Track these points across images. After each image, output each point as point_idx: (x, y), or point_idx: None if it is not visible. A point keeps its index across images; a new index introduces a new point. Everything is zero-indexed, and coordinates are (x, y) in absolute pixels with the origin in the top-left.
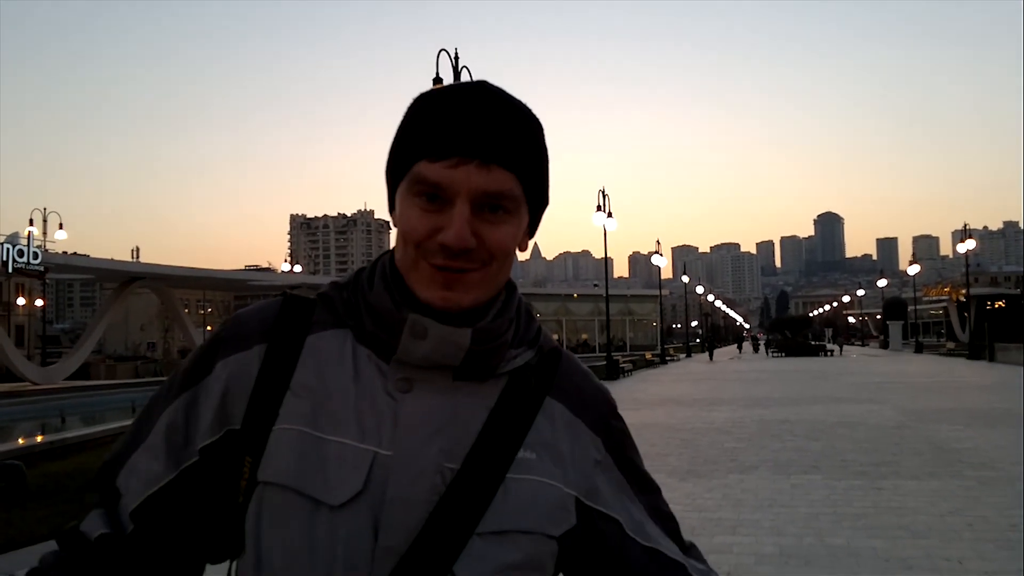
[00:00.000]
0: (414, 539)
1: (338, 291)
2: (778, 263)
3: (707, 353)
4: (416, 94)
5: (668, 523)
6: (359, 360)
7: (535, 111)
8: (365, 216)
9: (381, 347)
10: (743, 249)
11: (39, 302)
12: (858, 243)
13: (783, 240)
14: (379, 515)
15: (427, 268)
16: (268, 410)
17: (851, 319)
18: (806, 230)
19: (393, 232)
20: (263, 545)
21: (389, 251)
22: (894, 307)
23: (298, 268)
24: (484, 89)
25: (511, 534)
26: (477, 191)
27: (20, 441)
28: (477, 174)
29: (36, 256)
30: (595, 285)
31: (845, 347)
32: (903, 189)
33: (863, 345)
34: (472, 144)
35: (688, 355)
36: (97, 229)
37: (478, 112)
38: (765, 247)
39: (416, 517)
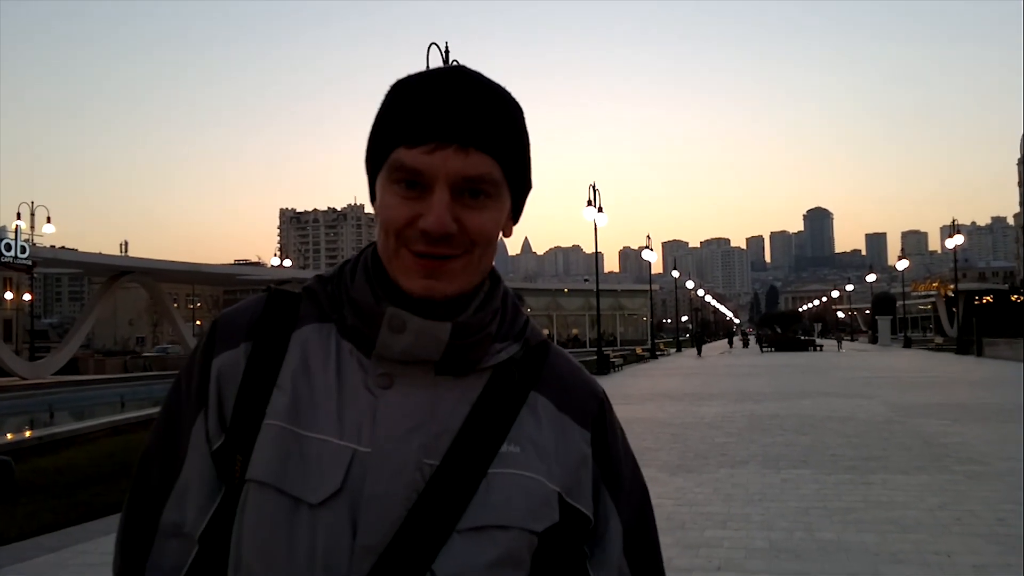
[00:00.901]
0: (392, 537)
1: (322, 285)
2: (768, 258)
3: (696, 348)
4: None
5: (641, 546)
6: (342, 355)
7: (523, 102)
8: (355, 210)
9: (362, 341)
10: (733, 244)
11: (27, 296)
12: (847, 238)
13: (773, 235)
14: (357, 513)
15: (409, 257)
16: (255, 408)
17: (840, 314)
18: (796, 225)
19: None
20: (243, 543)
21: (373, 243)
22: (883, 302)
23: (288, 263)
24: (461, 73)
25: (490, 530)
26: (456, 176)
27: (8, 436)
28: (455, 159)
29: (24, 250)
30: (585, 280)
31: (831, 341)
32: (892, 185)
33: (852, 340)
34: (449, 128)
35: (678, 350)
36: (85, 223)
37: (455, 96)
38: (755, 242)
39: (395, 515)
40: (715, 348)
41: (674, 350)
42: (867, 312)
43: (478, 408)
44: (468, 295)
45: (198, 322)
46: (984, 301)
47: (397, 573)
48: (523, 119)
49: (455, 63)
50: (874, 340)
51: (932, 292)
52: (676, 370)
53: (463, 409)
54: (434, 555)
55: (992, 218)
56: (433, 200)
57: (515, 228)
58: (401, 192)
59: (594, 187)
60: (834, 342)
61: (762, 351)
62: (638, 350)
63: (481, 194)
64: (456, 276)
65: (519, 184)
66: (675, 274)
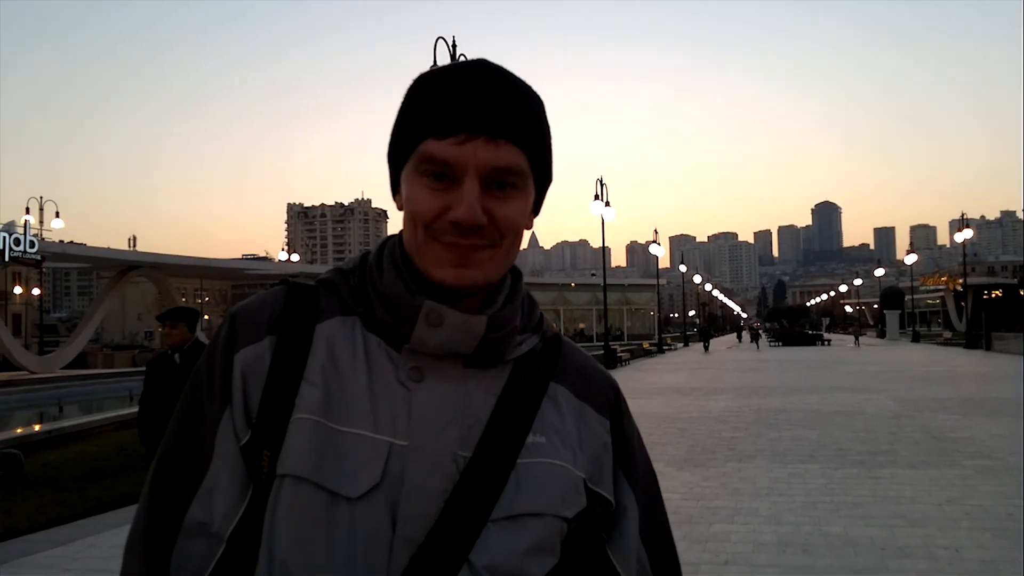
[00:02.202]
0: (430, 528)
1: (343, 277)
2: (776, 253)
3: (702, 344)
4: (416, 75)
5: (655, 530)
6: (369, 348)
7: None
8: (362, 205)
9: (392, 335)
10: (741, 239)
11: (36, 291)
12: (855, 232)
13: (781, 230)
14: (397, 506)
15: (438, 247)
16: (283, 402)
17: (848, 308)
18: (804, 219)
19: (390, 221)
20: (277, 539)
21: (394, 236)
22: (891, 296)
23: (295, 257)
24: (486, 66)
25: (524, 518)
26: (486, 167)
27: (18, 430)
28: (485, 149)
29: (33, 245)
30: (593, 274)
31: (841, 335)
32: (901, 179)
33: (861, 334)
34: (479, 119)
35: (686, 344)
36: (94, 218)
37: (483, 88)
38: (763, 236)
39: (433, 507)
40: (723, 343)
41: (681, 344)
42: (875, 306)
43: (503, 400)
44: (495, 288)
45: (206, 316)
46: (993, 295)
47: (436, 564)
48: (545, 112)
49: (463, 57)
50: (882, 334)
51: (941, 286)
52: (683, 364)
53: (490, 401)
54: (471, 545)
55: (1001, 212)
56: (463, 191)
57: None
58: (430, 184)
59: (601, 181)
60: (844, 337)
61: (758, 347)
62: (645, 344)
63: (508, 185)
64: (485, 265)
65: (543, 176)
66: (682, 268)
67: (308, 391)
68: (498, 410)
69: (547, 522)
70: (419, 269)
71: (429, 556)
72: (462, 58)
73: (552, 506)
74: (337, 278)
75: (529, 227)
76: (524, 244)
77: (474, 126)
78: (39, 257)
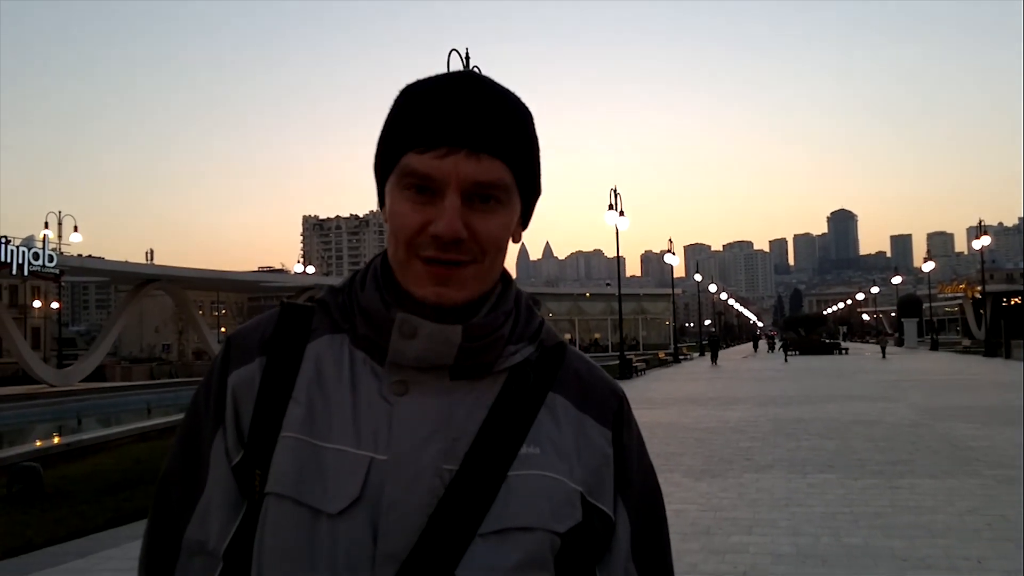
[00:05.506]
0: (414, 544)
1: (334, 296)
2: (791, 261)
3: (710, 356)
4: (403, 85)
5: (649, 550)
6: (355, 364)
7: (543, 105)
8: (377, 217)
9: (375, 350)
10: (756, 247)
11: (55, 305)
12: (872, 240)
13: (796, 238)
14: (378, 521)
15: (419, 264)
16: (272, 421)
17: (865, 317)
18: (820, 227)
19: None
20: (264, 557)
21: (382, 252)
22: (909, 304)
23: (311, 269)
24: (471, 78)
25: (513, 533)
26: (467, 181)
27: (37, 443)
28: (466, 163)
29: (51, 259)
30: (607, 284)
31: (860, 344)
32: (917, 186)
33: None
34: (460, 133)
35: (701, 354)
36: (112, 232)
37: (465, 100)
38: (778, 245)
39: (415, 522)
40: (739, 352)
41: (697, 354)
42: (893, 315)
43: (495, 411)
44: (479, 299)
45: (222, 329)
46: (1012, 303)
47: None
48: (533, 125)
49: (476, 68)
50: (900, 343)
51: (959, 294)
52: (699, 374)
53: (480, 413)
54: (457, 560)
55: (1020, 218)
56: (444, 205)
57: (532, 232)
58: (412, 198)
59: (615, 191)
60: (864, 346)
61: (772, 352)
62: (661, 354)
63: (491, 199)
64: (467, 283)
65: (529, 189)
66: (698, 278)
67: (294, 409)
68: (488, 422)
69: (537, 537)
70: (402, 286)
71: (413, 571)
72: (475, 68)
73: (543, 520)
74: (329, 297)
75: (516, 240)
76: (538, 254)
77: (455, 140)
78: (57, 271)
